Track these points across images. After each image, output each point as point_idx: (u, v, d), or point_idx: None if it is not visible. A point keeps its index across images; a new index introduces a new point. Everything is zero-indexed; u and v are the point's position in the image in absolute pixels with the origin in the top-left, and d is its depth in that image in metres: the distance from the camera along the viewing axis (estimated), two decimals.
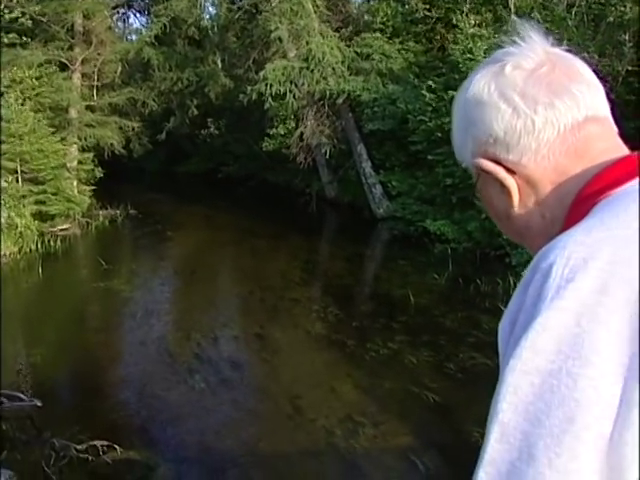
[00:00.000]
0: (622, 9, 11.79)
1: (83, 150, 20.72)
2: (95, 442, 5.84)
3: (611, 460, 0.69)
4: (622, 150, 0.93)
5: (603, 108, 0.94)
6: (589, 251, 0.74)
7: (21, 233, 13.99)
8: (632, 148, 0.93)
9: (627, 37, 11.53)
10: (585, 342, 0.70)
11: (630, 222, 0.76)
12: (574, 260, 0.73)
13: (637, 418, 0.69)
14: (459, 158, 1.04)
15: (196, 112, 25.84)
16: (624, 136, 0.96)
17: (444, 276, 11.60)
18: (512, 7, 14.84)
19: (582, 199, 0.88)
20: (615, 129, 0.95)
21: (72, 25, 21.37)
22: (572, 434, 0.69)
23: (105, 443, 5.84)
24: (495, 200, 0.98)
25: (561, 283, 0.73)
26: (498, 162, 0.95)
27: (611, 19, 11.90)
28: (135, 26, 40.89)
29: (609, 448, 0.69)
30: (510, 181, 0.94)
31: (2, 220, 13.38)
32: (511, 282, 10.20)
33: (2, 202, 13.56)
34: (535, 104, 0.90)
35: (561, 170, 0.91)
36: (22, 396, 6.74)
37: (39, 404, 6.63)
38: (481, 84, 0.95)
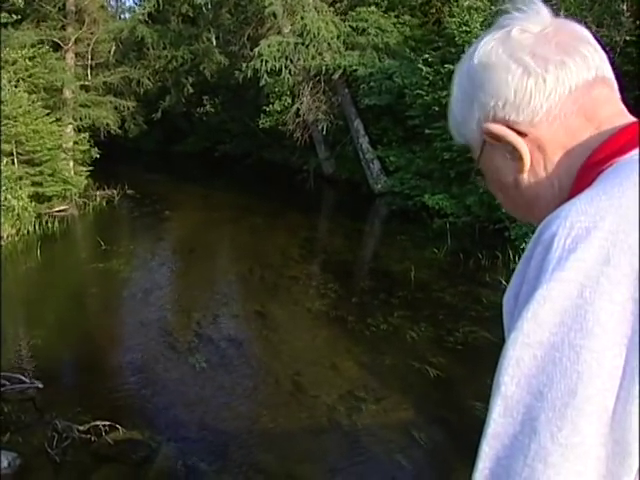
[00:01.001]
0: None
1: (79, 131, 20.64)
2: (97, 422, 5.85)
3: (615, 433, 0.69)
4: (626, 116, 0.91)
5: (609, 71, 0.93)
6: (592, 220, 0.72)
7: (18, 215, 13.93)
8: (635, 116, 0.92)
9: (625, 7, 11.42)
10: (588, 314, 0.69)
11: (633, 190, 0.74)
12: (576, 230, 0.73)
13: None
14: (457, 135, 1.02)
15: (191, 90, 25.76)
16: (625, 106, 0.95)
17: (443, 251, 11.60)
18: None
19: (588, 167, 0.86)
20: (618, 95, 0.94)
21: (64, 4, 21.21)
22: (574, 407, 0.69)
23: (107, 423, 5.85)
24: (503, 169, 0.95)
25: (563, 254, 0.72)
26: (508, 126, 0.92)
27: None
28: (128, 4, 40.60)
29: (613, 421, 0.69)
30: (522, 143, 0.91)
31: None
32: (510, 255, 10.20)
33: None
34: (546, 63, 0.88)
35: (571, 133, 0.89)
36: (23, 378, 6.74)
37: (40, 386, 6.64)
38: (488, 48, 0.93)
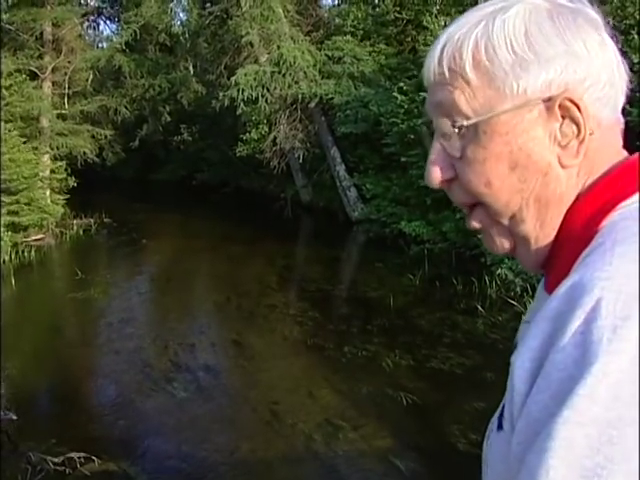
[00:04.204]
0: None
1: (55, 159, 20.54)
2: (72, 454, 5.78)
3: None
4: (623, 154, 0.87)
5: None
6: (638, 284, 0.66)
7: None
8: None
9: None
10: None
11: None
12: (625, 295, 0.66)
13: None
14: (450, 63, 0.85)
15: (169, 119, 25.85)
16: None
17: (420, 277, 11.64)
18: None
19: (593, 213, 0.81)
20: None
21: (41, 33, 21.23)
22: None
23: (82, 455, 5.78)
24: (540, 144, 0.82)
25: (616, 322, 0.65)
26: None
27: None
28: (106, 33, 40.49)
29: None
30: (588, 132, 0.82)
31: None
32: (486, 281, 10.25)
33: None
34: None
35: (593, 160, 0.84)
36: None
37: (14, 417, 6.56)
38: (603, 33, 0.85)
